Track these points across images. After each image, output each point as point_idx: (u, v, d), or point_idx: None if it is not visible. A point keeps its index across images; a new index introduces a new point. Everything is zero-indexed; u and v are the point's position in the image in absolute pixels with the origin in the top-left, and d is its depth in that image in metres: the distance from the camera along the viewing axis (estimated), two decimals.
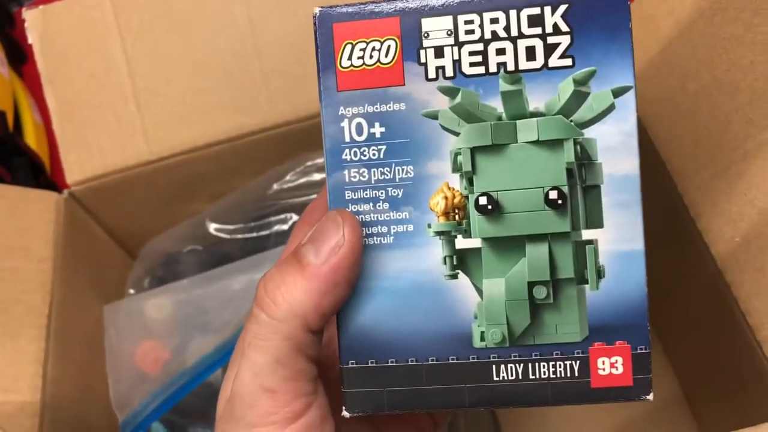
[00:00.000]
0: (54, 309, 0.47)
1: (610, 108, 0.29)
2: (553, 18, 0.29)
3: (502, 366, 0.30)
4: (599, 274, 0.30)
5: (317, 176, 0.50)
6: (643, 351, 0.30)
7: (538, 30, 0.29)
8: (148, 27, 0.48)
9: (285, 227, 0.49)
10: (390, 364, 0.30)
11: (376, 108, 0.30)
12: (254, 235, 0.50)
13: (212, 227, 0.50)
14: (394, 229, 0.30)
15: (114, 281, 0.53)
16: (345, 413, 0.31)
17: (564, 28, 0.29)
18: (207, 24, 0.48)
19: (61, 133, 0.48)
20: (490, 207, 0.30)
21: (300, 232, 0.37)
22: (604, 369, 0.30)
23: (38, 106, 0.69)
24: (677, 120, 0.40)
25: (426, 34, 0.30)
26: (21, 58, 0.72)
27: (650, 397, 0.30)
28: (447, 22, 0.30)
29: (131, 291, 0.51)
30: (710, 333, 0.40)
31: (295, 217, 0.50)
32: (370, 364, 0.31)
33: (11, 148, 0.60)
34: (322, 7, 0.30)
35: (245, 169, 0.49)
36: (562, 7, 0.29)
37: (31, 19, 0.49)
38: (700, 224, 0.38)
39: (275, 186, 0.49)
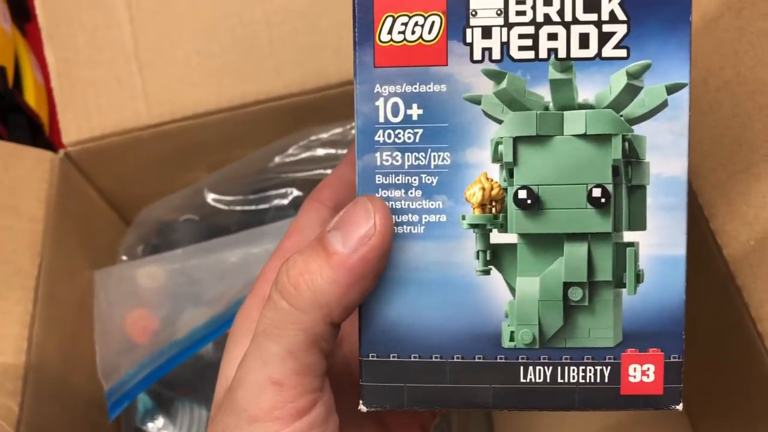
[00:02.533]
0: (43, 271, 0.44)
1: (663, 105, 0.27)
2: (610, 5, 0.26)
3: (531, 368, 0.28)
4: (638, 278, 0.27)
5: (321, 151, 0.46)
6: (677, 360, 0.27)
7: (593, 16, 0.26)
8: None
9: (285, 202, 0.46)
10: (413, 359, 0.28)
11: (415, 88, 0.27)
12: (253, 207, 0.47)
13: (210, 197, 0.46)
14: (425, 218, 0.27)
15: (106, 246, 0.50)
16: (362, 407, 0.28)
17: (621, 16, 0.26)
18: None
19: (59, 91, 0.44)
20: (529, 201, 0.27)
21: (310, 209, 0.33)
22: (635, 376, 0.27)
23: (40, 65, 0.64)
24: (696, 116, 0.37)
25: (474, 12, 0.27)
26: (25, 15, 0.67)
27: (680, 407, 0.28)
28: (497, 0, 0.26)
29: (124, 258, 0.48)
30: (717, 338, 0.38)
31: (295, 192, 0.47)
32: (391, 359, 0.28)
33: (10, 105, 0.55)
34: None
35: (247, 139, 0.46)
36: None
37: None
38: (714, 225, 0.36)
39: (277, 159, 0.45)
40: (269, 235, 0.44)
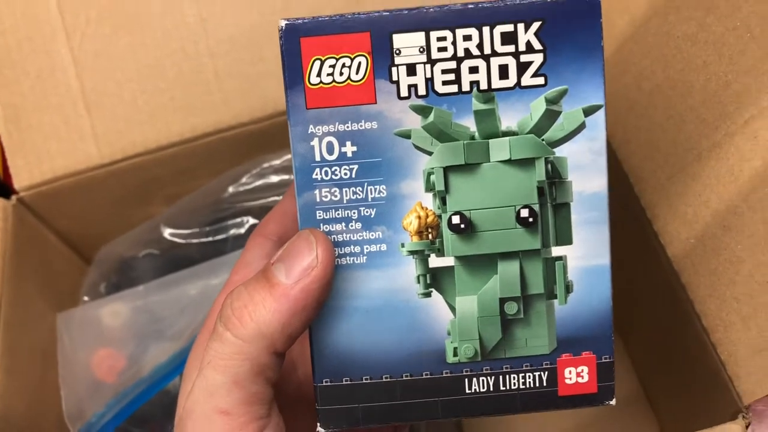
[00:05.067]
0: (3, 320, 0.42)
1: (581, 127, 0.27)
2: (526, 36, 0.27)
3: (474, 379, 0.28)
4: (568, 289, 0.28)
5: (274, 178, 0.46)
6: (608, 360, 0.28)
7: (511, 48, 0.27)
8: (96, 25, 0.43)
9: (242, 231, 0.45)
10: (364, 381, 0.28)
11: (348, 126, 0.27)
12: (210, 239, 0.46)
13: (167, 232, 0.45)
14: (367, 248, 0.28)
15: (68, 288, 0.49)
16: (320, 429, 0.28)
17: (537, 46, 0.27)
18: (157, 22, 0.43)
19: (7, 137, 0.43)
20: (462, 226, 0.27)
21: (256, 244, 0.33)
22: (570, 378, 0.28)
23: None
24: (633, 120, 0.38)
25: (398, 51, 0.27)
26: None
27: (613, 402, 0.29)
28: (419, 38, 0.27)
29: (86, 298, 0.47)
30: (668, 333, 0.39)
31: (252, 221, 0.46)
32: (344, 382, 0.28)
33: None
34: (288, 20, 0.26)
35: (201, 171, 0.45)
36: (536, 25, 0.27)
37: None
38: (657, 226, 0.37)
39: (231, 189, 0.45)
40: (228, 265, 0.44)
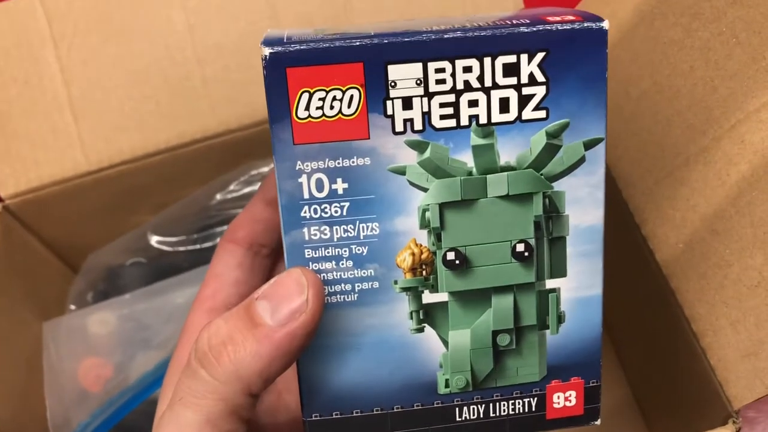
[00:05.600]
0: None
1: (581, 161, 0.26)
2: (529, 67, 0.25)
3: (465, 408, 0.28)
4: (560, 319, 0.28)
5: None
6: (595, 384, 0.29)
7: (513, 80, 0.25)
8: (83, 33, 0.40)
9: None
10: (355, 414, 0.28)
11: (338, 163, 0.25)
12: (198, 247, 0.44)
13: (154, 239, 0.44)
14: (358, 286, 0.26)
15: (55, 297, 0.47)
16: None
17: (540, 78, 0.25)
18: (145, 30, 0.41)
19: None
20: (458, 262, 0.26)
21: (225, 251, 0.31)
22: (558, 402, 0.29)
23: None
24: (621, 125, 0.37)
25: (393, 83, 0.24)
26: None
27: (598, 422, 0.29)
28: (416, 70, 0.24)
29: (72, 307, 0.45)
30: (659, 339, 0.39)
31: None
32: (334, 416, 0.28)
33: None
34: (271, 48, 0.24)
35: (188, 179, 0.43)
36: (540, 55, 0.25)
37: None
38: (645, 230, 0.36)
39: (219, 196, 0.43)
40: None
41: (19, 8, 0.41)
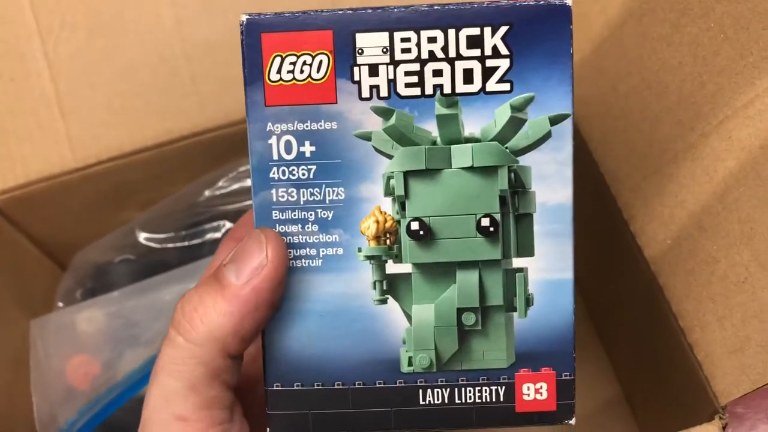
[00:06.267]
0: None
1: (547, 136, 0.26)
2: (492, 40, 0.26)
3: (429, 390, 0.27)
4: (528, 302, 0.27)
5: (250, 182, 0.44)
6: (568, 378, 0.27)
7: (476, 52, 0.26)
8: (71, 29, 0.41)
9: (218, 235, 0.44)
10: (316, 387, 0.27)
11: (307, 126, 0.26)
12: (186, 244, 0.45)
13: (142, 236, 0.44)
14: (323, 251, 0.27)
15: (42, 295, 0.47)
16: None
17: (504, 51, 0.26)
18: (132, 25, 0.42)
19: None
20: (421, 233, 0.26)
21: (226, 248, 0.32)
22: (528, 394, 0.27)
23: None
24: (610, 121, 0.37)
25: (360, 51, 0.26)
26: None
27: (572, 421, 0.28)
28: (382, 38, 0.26)
29: (60, 304, 0.45)
30: (647, 335, 0.38)
31: (228, 225, 0.45)
32: (295, 387, 0.27)
33: None
34: (249, 15, 0.26)
35: (176, 175, 0.44)
36: (503, 29, 0.25)
37: None
38: (633, 227, 0.36)
39: (207, 192, 0.44)
40: (204, 269, 0.42)
41: (5, 2, 0.41)
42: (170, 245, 0.44)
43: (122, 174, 0.42)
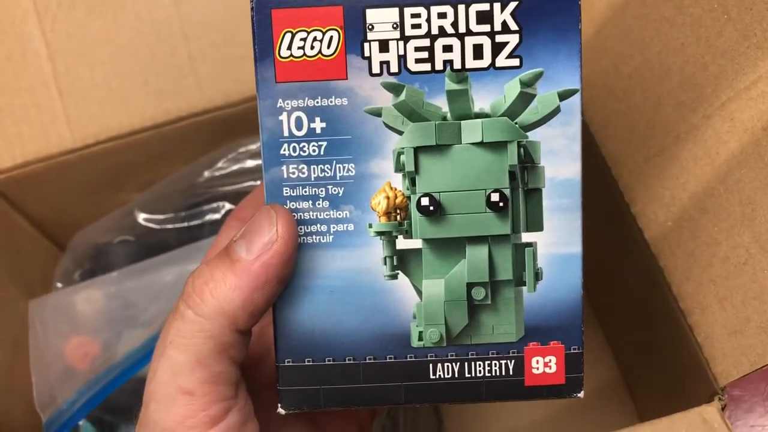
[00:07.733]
0: None
1: (556, 111, 0.26)
2: (502, 15, 0.25)
3: (439, 365, 0.27)
4: (537, 276, 0.27)
5: (250, 163, 0.44)
6: (577, 351, 0.27)
7: (486, 27, 0.25)
8: (68, 7, 0.41)
9: (218, 216, 0.44)
10: (327, 362, 0.27)
11: (317, 102, 0.26)
12: (185, 224, 0.44)
13: (141, 217, 0.44)
14: (333, 228, 0.27)
15: (40, 275, 0.47)
16: (280, 410, 0.27)
17: (513, 26, 0.25)
18: (131, 4, 0.41)
19: None
20: (431, 208, 0.26)
21: (230, 228, 0.32)
22: (537, 368, 0.27)
23: None
24: (612, 103, 0.37)
25: (370, 27, 0.25)
26: None
27: (581, 395, 0.28)
28: (393, 14, 0.25)
29: (59, 285, 0.45)
30: (647, 317, 0.38)
31: (228, 206, 0.45)
32: (306, 363, 0.27)
33: None
34: None
35: (175, 156, 0.44)
36: (512, 5, 0.25)
37: None
38: (635, 209, 0.36)
39: (206, 173, 0.43)
40: (203, 251, 0.42)
41: None
42: (169, 226, 0.43)
43: (121, 154, 0.42)
